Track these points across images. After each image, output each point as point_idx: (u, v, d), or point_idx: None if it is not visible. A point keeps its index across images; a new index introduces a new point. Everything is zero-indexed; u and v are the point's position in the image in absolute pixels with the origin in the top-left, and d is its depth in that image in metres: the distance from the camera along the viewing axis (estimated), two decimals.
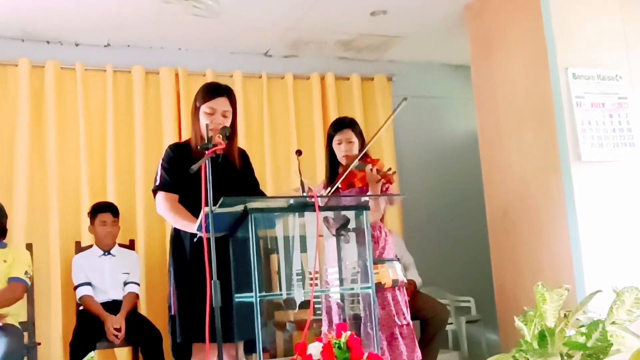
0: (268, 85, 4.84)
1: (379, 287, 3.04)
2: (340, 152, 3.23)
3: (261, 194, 3.05)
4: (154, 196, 2.88)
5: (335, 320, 3.01)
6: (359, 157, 3.08)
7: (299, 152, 2.96)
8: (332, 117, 4.89)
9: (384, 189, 3.10)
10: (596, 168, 3.53)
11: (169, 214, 2.81)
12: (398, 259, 3.29)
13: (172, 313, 2.80)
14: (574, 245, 3.41)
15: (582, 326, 2.10)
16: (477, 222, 4.44)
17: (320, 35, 4.71)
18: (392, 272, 3.10)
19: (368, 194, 3.06)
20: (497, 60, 3.98)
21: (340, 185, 3.09)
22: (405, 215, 5.01)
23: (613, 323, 2.13)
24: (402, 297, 3.14)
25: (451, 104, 5.46)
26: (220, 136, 2.64)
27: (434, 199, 5.20)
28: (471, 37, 4.24)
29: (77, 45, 4.51)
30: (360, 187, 3.11)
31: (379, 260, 3.11)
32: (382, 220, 3.36)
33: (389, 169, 3.04)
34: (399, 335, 3.06)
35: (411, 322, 3.16)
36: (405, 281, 3.22)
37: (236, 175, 2.90)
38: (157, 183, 2.85)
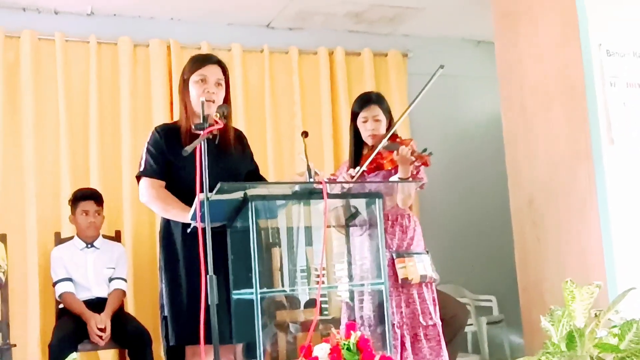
0: (270, 60, 4.85)
1: (405, 283, 3.08)
2: (365, 131, 3.23)
3: (261, 180, 3.05)
4: (138, 182, 2.89)
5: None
6: (388, 137, 3.09)
7: (305, 134, 2.98)
8: (341, 96, 4.92)
9: (414, 173, 3.11)
10: (630, 153, 3.54)
11: (155, 202, 2.81)
12: (427, 252, 3.31)
13: (165, 313, 2.80)
14: (606, 238, 3.43)
15: (614, 326, 2.13)
16: (499, 212, 4.46)
17: (329, 5, 4.71)
18: (421, 267, 3.13)
19: (392, 178, 3.07)
20: (523, 35, 3.98)
21: (366, 169, 3.11)
22: (421, 205, 5.03)
23: None
24: (430, 295, 3.17)
25: (472, 83, 5.47)
26: (218, 115, 2.60)
27: (453, 187, 5.22)
28: (494, 9, 4.24)
29: (56, 13, 4.50)
30: (389, 170, 3.12)
31: (406, 253, 3.14)
32: (410, 208, 3.35)
33: (424, 150, 3.04)
34: (422, 337, 3.10)
35: (439, 323, 3.19)
36: (435, 277, 3.25)
37: (230, 158, 2.89)
38: (142, 168, 2.85)
